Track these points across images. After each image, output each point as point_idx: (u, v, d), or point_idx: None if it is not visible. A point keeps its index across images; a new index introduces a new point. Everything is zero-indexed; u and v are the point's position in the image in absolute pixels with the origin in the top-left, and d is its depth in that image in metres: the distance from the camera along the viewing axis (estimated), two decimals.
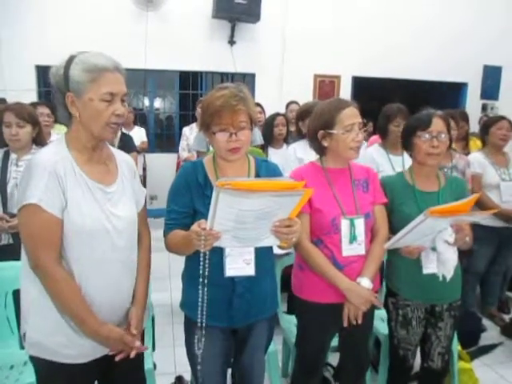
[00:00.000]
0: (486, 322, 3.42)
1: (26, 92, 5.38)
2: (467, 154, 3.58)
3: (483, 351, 3.08)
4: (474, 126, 4.81)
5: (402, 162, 2.93)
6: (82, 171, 1.42)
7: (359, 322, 1.83)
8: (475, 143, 4.16)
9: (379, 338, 2.48)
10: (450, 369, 2.44)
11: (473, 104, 7.10)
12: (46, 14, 5.73)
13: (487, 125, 3.42)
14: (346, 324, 1.84)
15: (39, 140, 2.63)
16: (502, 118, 3.40)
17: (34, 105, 3.54)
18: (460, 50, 6.74)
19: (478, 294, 3.62)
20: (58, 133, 4.05)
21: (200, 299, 1.56)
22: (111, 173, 1.52)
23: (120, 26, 5.82)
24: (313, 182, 1.79)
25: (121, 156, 1.61)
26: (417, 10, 6.59)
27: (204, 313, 1.57)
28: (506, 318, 3.52)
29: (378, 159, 3.03)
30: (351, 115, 1.81)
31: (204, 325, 1.59)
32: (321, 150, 1.92)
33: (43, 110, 3.60)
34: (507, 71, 7.18)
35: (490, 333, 3.31)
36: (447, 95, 7.28)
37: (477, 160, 3.30)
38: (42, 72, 6.04)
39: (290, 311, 2.95)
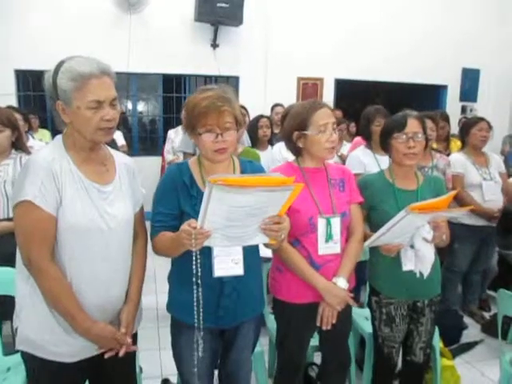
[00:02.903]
0: (467, 319, 3.47)
1: (4, 96, 5.29)
2: (448, 154, 3.64)
3: (464, 349, 3.13)
4: (455, 128, 4.90)
5: (389, 161, 2.98)
6: (79, 170, 1.43)
7: (333, 321, 1.85)
8: (455, 144, 4.24)
9: (364, 337, 2.51)
10: (432, 365, 2.49)
11: (453, 106, 7.24)
12: (25, 18, 5.65)
13: (467, 126, 3.47)
14: (318, 323, 1.87)
15: (19, 145, 2.56)
16: (481, 119, 3.46)
17: None
18: (440, 54, 6.88)
19: (460, 292, 3.67)
20: (40, 138, 4.00)
21: (195, 299, 1.54)
22: (109, 173, 1.53)
23: (102, 29, 5.79)
24: None
25: (120, 157, 1.62)
26: (398, 15, 6.70)
27: (200, 313, 1.56)
28: (487, 315, 3.58)
29: (365, 160, 3.08)
30: (324, 116, 1.82)
31: (201, 326, 1.57)
32: (296, 151, 1.93)
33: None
34: (485, 74, 7.34)
35: (471, 330, 3.36)
36: (428, 97, 7.40)
37: (458, 161, 3.36)
38: (22, 76, 5.96)
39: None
